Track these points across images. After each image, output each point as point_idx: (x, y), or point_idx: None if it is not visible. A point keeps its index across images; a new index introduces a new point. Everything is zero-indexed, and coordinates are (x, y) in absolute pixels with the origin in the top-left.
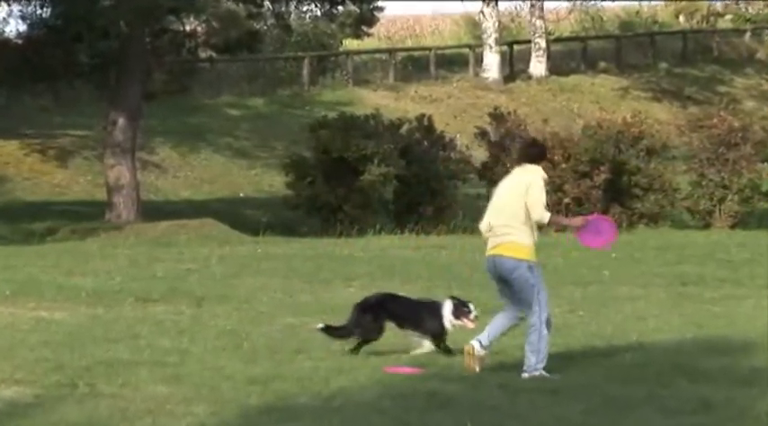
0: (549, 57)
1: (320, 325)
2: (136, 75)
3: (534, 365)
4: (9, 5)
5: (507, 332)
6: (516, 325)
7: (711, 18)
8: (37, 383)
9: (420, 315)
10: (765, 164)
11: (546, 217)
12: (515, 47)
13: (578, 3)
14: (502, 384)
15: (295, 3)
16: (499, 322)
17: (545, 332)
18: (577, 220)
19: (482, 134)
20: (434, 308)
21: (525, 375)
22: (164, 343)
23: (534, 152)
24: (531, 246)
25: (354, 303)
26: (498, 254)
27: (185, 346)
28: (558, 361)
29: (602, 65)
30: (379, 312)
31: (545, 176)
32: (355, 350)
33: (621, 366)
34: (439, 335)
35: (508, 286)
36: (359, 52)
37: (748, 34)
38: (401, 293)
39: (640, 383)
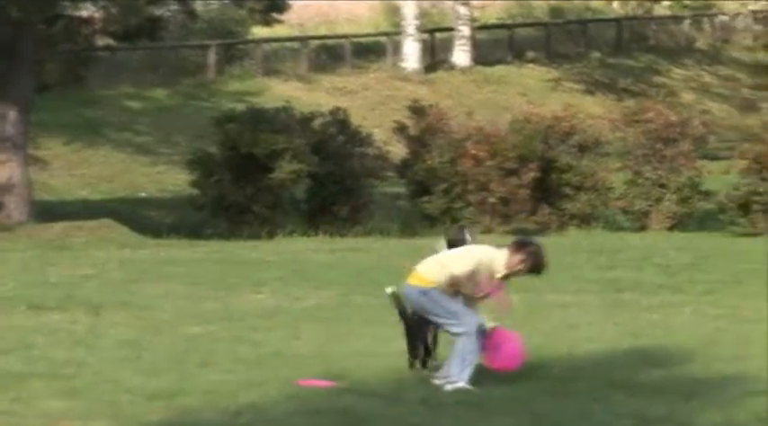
0: (473, 46)
1: (390, 290)
2: (27, 64)
3: (458, 375)
4: None
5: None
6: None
7: (647, 4)
8: None
9: None
10: (705, 161)
11: (449, 275)
12: (437, 35)
13: None
14: (423, 399)
15: None
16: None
17: (474, 340)
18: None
19: (401, 128)
20: None
21: (448, 387)
22: (59, 354)
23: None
24: (433, 283)
25: None
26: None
27: (82, 357)
28: (483, 374)
29: (531, 54)
30: None
31: (503, 264)
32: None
33: (551, 379)
34: None
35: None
36: (269, 40)
37: (687, 21)
38: None
39: (572, 397)
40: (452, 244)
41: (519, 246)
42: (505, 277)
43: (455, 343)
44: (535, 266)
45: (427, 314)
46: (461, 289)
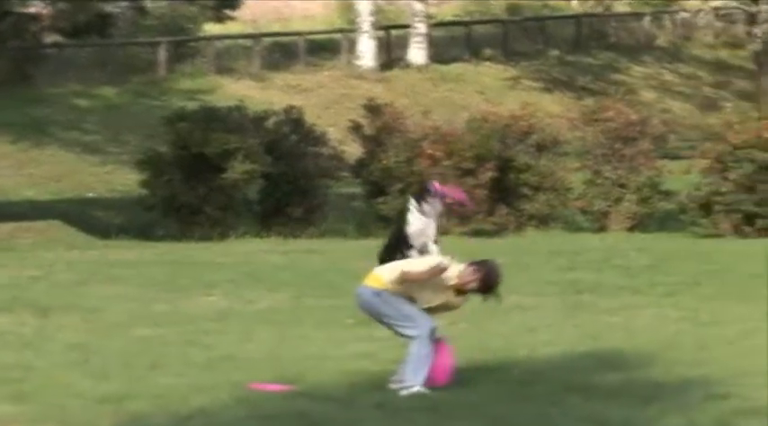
0: (429, 44)
1: None
2: None
3: (413, 379)
4: None
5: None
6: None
7: (607, 1)
8: None
9: None
10: (666, 160)
11: (401, 271)
12: (393, 32)
13: None
14: (378, 403)
15: None
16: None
17: (428, 343)
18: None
19: (356, 128)
20: None
21: (404, 392)
22: (6, 358)
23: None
24: (387, 284)
25: None
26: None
27: (30, 361)
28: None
29: (488, 52)
30: None
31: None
32: None
33: (509, 382)
34: None
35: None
36: (221, 37)
37: (647, 18)
38: None
39: (530, 401)
40: (419, 197)
41: (476, 261)
42: (457, 290)
43: (409, 347)
44: (487, 278)
45: (380, 316)
46: (413, 293)
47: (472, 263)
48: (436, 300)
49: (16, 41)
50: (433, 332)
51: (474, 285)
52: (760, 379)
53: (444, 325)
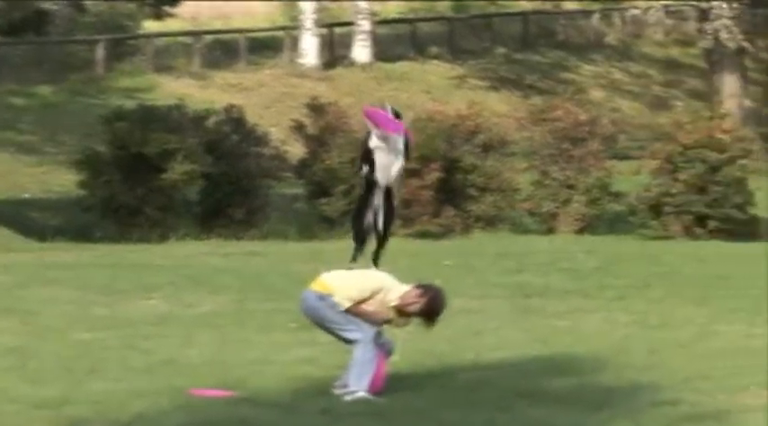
0: (374, 42)
1: None
2: None
3: (357, 384)
4: None
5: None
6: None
7: None
8: None
9: None
10: (615, 161)
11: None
12: (336, 30)
13: None
14: (323, 409)
15: None
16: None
17: (372, 348)
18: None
19: (299, 127)
20: None
21: (348, 398)
22: None
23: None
24: (334, 289)
25: None
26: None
27: None
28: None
29: (434, 50)
30: None
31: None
32: None
33: (456, 388)
34: None
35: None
36: (160, 35)
37: (596, 16)
38: None
39: (477, 407)
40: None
41: (423, 285)
42: (398, 311)
43: (353, 351)
44: (432, 303)
45: (323, 320)
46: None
47: (419, 286)
48: (378, 316)
49: None
50: (377, 336)
51: (416, 307)
52: (709, 384)
53: (390, 328)
